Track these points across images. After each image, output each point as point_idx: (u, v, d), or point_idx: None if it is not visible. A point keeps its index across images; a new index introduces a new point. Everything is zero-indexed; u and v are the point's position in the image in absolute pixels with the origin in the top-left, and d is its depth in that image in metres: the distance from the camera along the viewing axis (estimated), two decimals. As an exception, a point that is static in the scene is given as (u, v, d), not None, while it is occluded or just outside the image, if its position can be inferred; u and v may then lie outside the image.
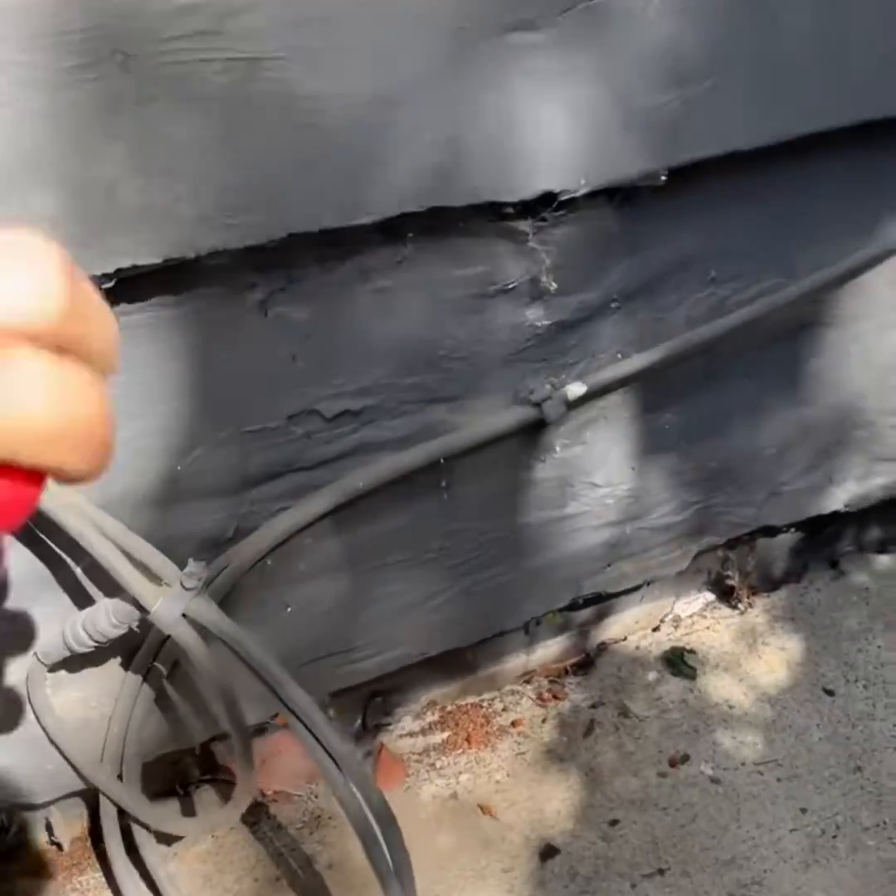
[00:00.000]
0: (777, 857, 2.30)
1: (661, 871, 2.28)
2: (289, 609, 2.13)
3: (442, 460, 2.06)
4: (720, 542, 2.62)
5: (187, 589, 1.70)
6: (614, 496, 2.37)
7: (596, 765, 2.51)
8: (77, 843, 2.29)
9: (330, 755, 1.69)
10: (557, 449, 2.21)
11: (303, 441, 1.98)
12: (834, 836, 2.33)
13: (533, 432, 2.17)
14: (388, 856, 1.76)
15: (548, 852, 2.33)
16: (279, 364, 1.90)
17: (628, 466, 2.34)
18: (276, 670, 1.70)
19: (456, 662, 2.58)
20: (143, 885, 2.16)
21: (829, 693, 2.64)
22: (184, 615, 1.71)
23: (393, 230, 1.86)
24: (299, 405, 1.93)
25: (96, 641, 1.80)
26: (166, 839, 2.27)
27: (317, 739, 1.69)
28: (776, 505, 2.62)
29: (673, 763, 2.50)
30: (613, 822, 2.38)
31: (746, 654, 2.75)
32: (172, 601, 1.70)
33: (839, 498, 2.70)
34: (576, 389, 2.12)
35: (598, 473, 2.31)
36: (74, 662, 1.97)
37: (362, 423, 2.01)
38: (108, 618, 1.76)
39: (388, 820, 1.75)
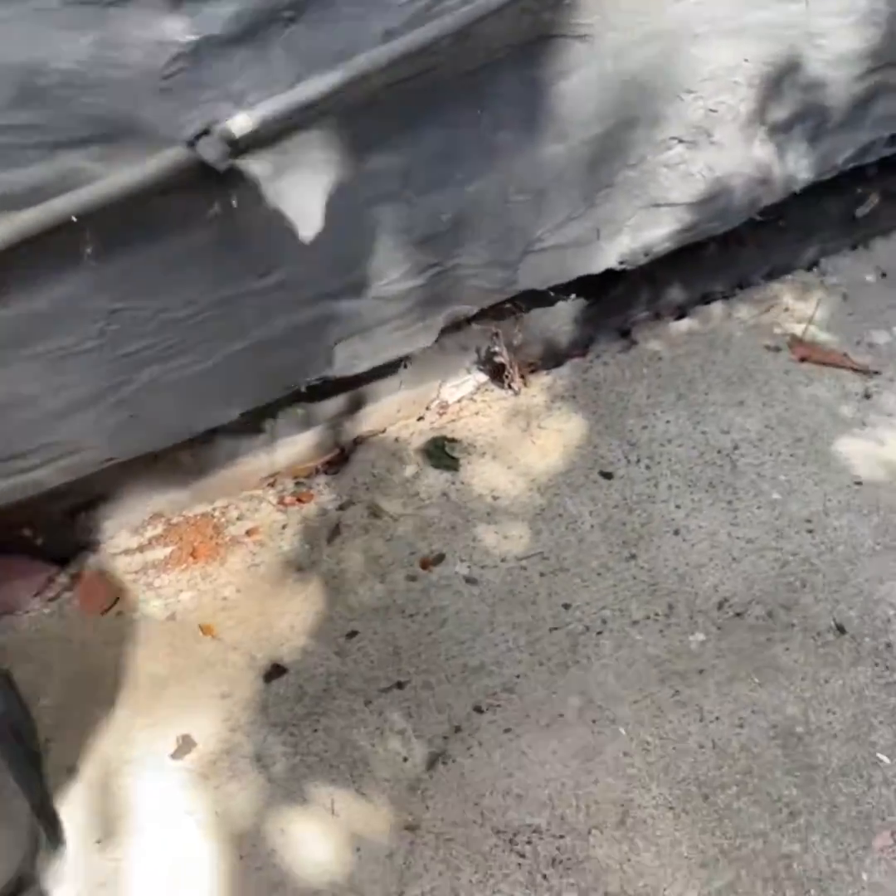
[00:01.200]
0: (532, 660, 2.07)
1: (399, 685, 2.04)
2: (-84, 413, 1.80)
3: (74, 219, 1.69)
4: (472, 312, 2.30)
5: None
6: (327, 260, 2.02)
7: (339, 572, 2.25)
8: None
9: None
10: (235, 203, 1.85)
11: None
12: (598, 633, 2.10)
13: (203, 183, 1.79)
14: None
15: (274, 672, 2.07)
16: None
17: (345, 225, 1.99)
18: None
19: (176, 468, 2.27)
20: None
21: (607, 476, 2.38)
22: None
23: None
24: None
25: None
26: None
27: None
28: (534, 265, 2.29)
29: (425, 565, 2.24)
30: (352, 635, 2.13)
31: (518, 439, 2.48)
32: None
33: (610, 254, 2.38)
34: (241, 123, 1.74)
35: (301, 232, 1.96)
36: None
37: (-35, 175, 1.63)
38: None
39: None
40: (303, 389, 2.18)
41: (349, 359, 2.19)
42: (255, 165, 1.83)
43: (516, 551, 2.25)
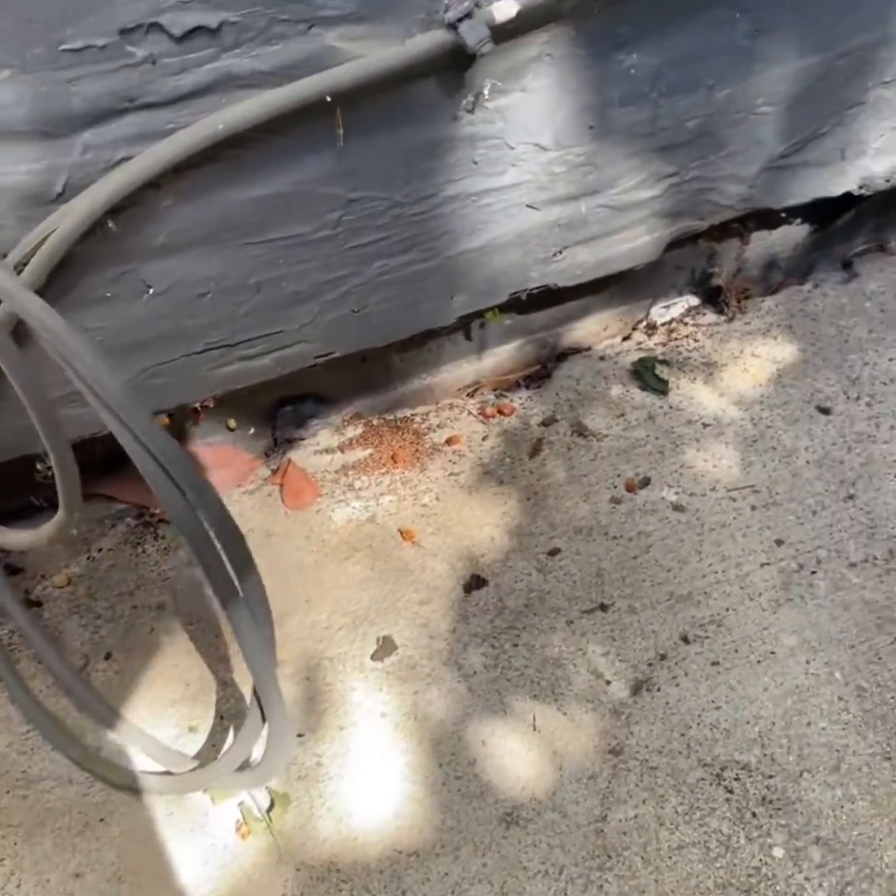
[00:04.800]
0: (743, 593, 2.01)
1: (603, 607, 2.01)
2: (151, 291, 1.78)
3: (328, 99, 1.66)
4: (702, 228, 2.21)
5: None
6: (566, 163, 1.95)
7: (540, 488, 2.21)
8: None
9: (153, 457, 1.37)
10: (487, 94, 1.79)
11: (146, 68, 1.56)
12: (812, 573, 2.03)
13: (455, 69, 1.75)
14: (233, 575, 1.48)
15: (474, 583, 2.06)
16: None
17: (583, 124, 1.91)
18: (71, 338, 1.35)
19: (383, 369, 2.25)
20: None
21: (825, 411, 2.29)
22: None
23: None
24: (135, 15, 1.51)
25: None
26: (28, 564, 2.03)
27: (134, 435, 1.37)
28: (773, 183, 2.18)
29: (631, 488, 2.19)
30: (553, 552, 2.10)
31: (730, 366, 2.40)
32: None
33: (852, 176, 2.27)
34: (506, 8, 1.68)
35: (545, 132, 1.90)
36: None
37: (224, 48, 1.59)
38: None
39: (229, 530, 1.45)
40: (523, 297, 2.13)
41: (574, 268, 2.12)
42: (512, 58, 1.77)
43: (727, 481, 2.19)
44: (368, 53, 1.68)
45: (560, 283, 2.14)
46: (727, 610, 2.00)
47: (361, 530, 2.15)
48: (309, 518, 2.17)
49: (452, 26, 1.67)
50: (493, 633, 1.99)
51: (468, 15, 1.67)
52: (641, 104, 1.94)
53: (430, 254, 1.97)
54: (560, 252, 2.09)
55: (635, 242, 2.15)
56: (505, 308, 2.22)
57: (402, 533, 2.14)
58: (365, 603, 2.04)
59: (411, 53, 1.69)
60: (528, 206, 1.99)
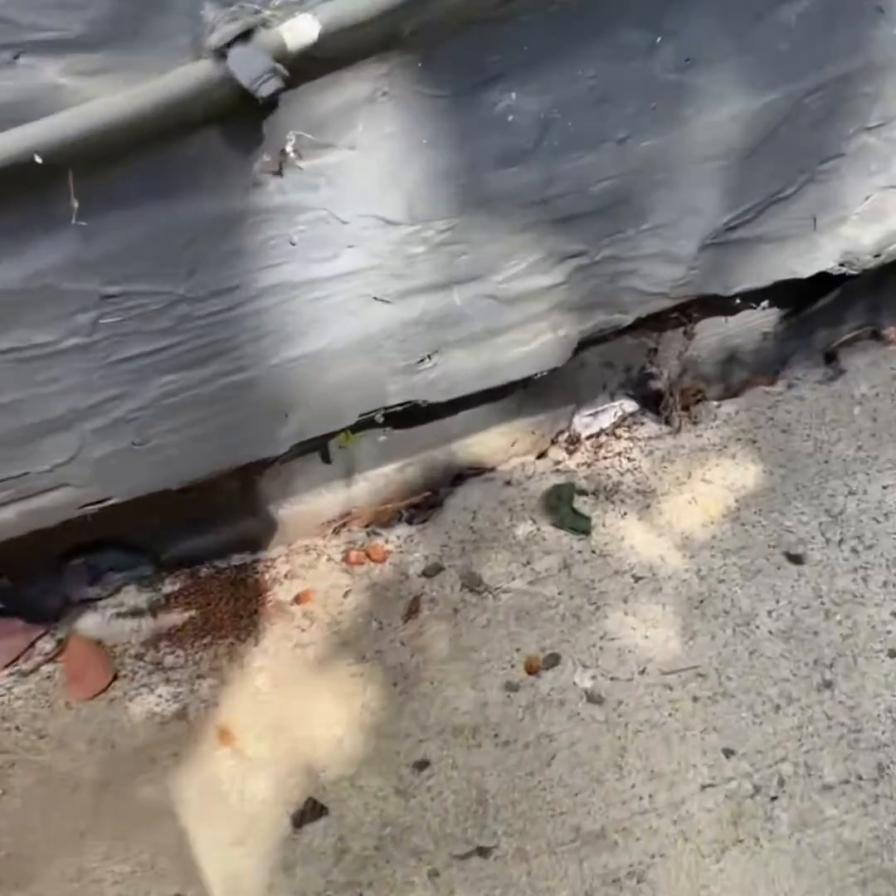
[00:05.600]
0: (676, 831, 1.51)
1: (481, 851, 1.50)
2: None
3: (38, 158, 1.16)
4: (624, 324, 1.71)
5: None
6: (426, 241, 1.50)
7: (413, 668, 1.72)
8: None
9: None
10: (291, 150, 1.30)
11: None
12: (773, 799, 1.54)
13: (246, 116, 1.25)
14: None
15: (308, 813, 1.58)
16: None
17: (447, 189, 1.44)
18: None
19: (212, 503, 1.75)
20: None
21: (796, 560, 1.82)
22: None
23: None
24: None
25: None
26: None
27: None
28: (718, 262, 1.74)
29: (532, 668, 1.72)
30: (422, 765, 1.62)
31: (673, 495, 1.92)
32: None
33: (829, 251, 1.81)
34: (302, 30, 1.18)
35: (391, 200, 1.43)
36: None
37: None
38: None
39: None
40: (379, 419, 1.62)
41: (448, 378, 1.63)
42: (329, 101, 1.27)
43: (661, 660, 1.69)
44: (106, 94, 1.19)
45: (431, 398, 1.65)
46: (653, 857, 1.48)
47: (166, 731, 1.65)
48: (98, 712, 1.68)
49: (220, 52, 1.18)
50: (327, 892, 1.47)
51: (242, 37, 1.17)
52: (527, 162, 1.47)
53: (239, 365, 1.49)
54: (428, 358, 1.61)
55: (533, 344, 1.67)
56: (375, 421, 1.72)
57: (220, 734, 1.64)
58: (155, 843, 1.52)
59: (167, 94, 1.20)
60: (376, 298, 1.50)
